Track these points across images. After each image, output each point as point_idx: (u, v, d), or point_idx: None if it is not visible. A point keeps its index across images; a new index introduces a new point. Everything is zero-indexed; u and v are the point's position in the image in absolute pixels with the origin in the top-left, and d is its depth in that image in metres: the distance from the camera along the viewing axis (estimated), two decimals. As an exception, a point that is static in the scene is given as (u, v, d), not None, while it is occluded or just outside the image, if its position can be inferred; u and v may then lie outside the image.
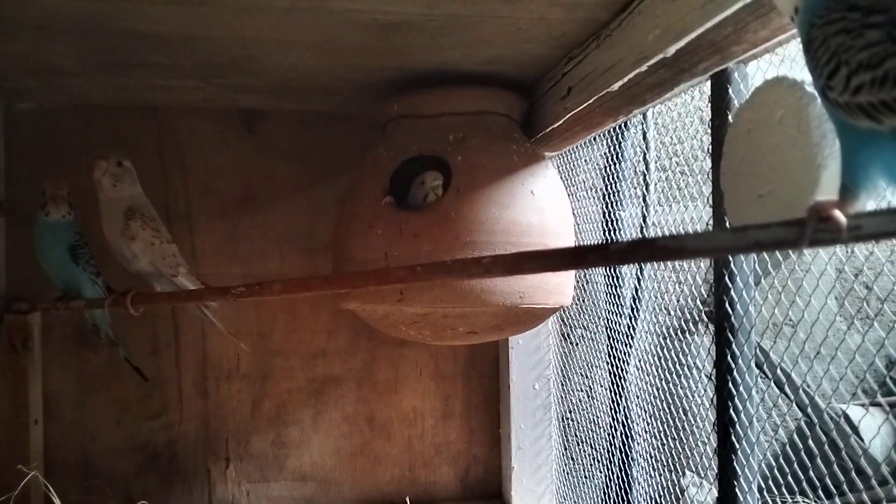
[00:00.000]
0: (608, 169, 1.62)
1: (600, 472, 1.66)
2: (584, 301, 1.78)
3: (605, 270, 1.65)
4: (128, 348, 1.60)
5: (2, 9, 1.09)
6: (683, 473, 1.46)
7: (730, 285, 1.06)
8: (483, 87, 1.44)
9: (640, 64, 1.03)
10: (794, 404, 1.78)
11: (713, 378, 1.11)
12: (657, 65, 1.02)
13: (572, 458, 1.82)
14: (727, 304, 1.06)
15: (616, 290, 1.60)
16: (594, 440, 1.70)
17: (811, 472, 1.13)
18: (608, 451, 1.62)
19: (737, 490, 1.05)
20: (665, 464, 1.45)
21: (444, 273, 0.90)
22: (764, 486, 1.14)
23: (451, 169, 1.35)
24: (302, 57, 1.35)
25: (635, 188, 1.57)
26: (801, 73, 0.58)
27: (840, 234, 0.53)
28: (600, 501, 1.65)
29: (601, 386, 1.67)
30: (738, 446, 1.06)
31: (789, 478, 1.15)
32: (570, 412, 1.84)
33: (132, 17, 1.13)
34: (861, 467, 1.13)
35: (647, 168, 1.53)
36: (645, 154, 1.53)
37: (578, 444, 1.80)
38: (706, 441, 1.34)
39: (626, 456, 1.55)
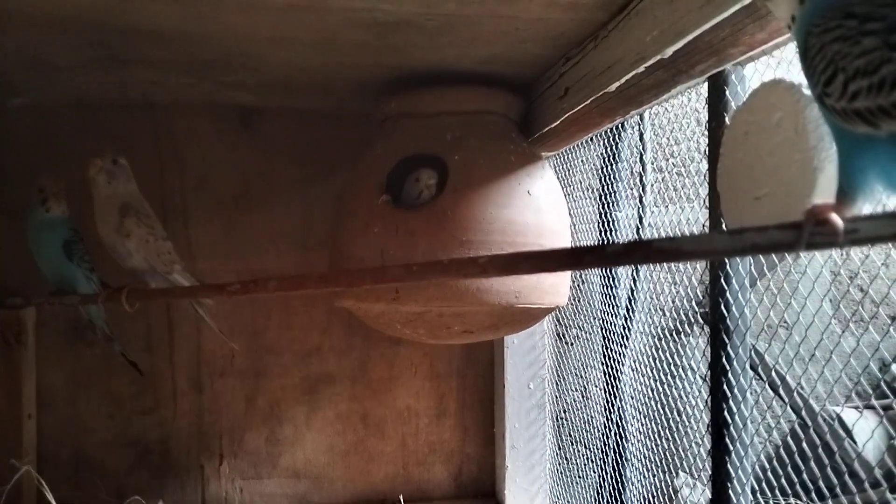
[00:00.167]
0: (605, 170, 1.62)
1: (594, 471, 1.66)
2: (579, 301, 1.78)
3: (601, 271, 1.66)
4: (123, 344, 1.60)
5: (-2, 3, 1.09)
6: (677, 474, 1.46)
7: (725, 287, 1.06)
8: (481, 86, 1.44)
9: (638, 65, 1.03)
10: (788, 406, 1.78)
11: (707, 379, 1.11)
12: (654, 66, 1.02)
13: (566, 458, 1.83)
14: (722, 306, 1.06)
15: (611, 291, 1.61)
16: (588, 440, 1.70)
17: (804, 475, 1.13)
18: (602, 451, 1.62)
19: (730, 491, 1.05)
20: (658, 464, 1.45)
21: (441, 272, 0.90)
22: (757, 487, 1.15)
23: (447, 168, 1.35)
24: (300, 55, 1.35)
25: (632, 189, 1.57)
26: (798, 75, 0.59)
27: (837, 238, 0.53)
28: (593, 501, 1.65)
29: (596, 386, 1.68)
30: (731, 448, 1.06)
31: (783, 480, 1.15)
32: (565, 412, 1.85)
33: (129, 13, 1.13)
34: (854, 470, 1.14)
35: (644, 169, 1.53)
36: (641, 155, 1.53)
37: (572, 444, 1.80)
38: (700, 442, 1.35)
39: (620, 456, 1.55)
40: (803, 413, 1.79)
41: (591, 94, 1.19)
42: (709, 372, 1.10)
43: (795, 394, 1.75)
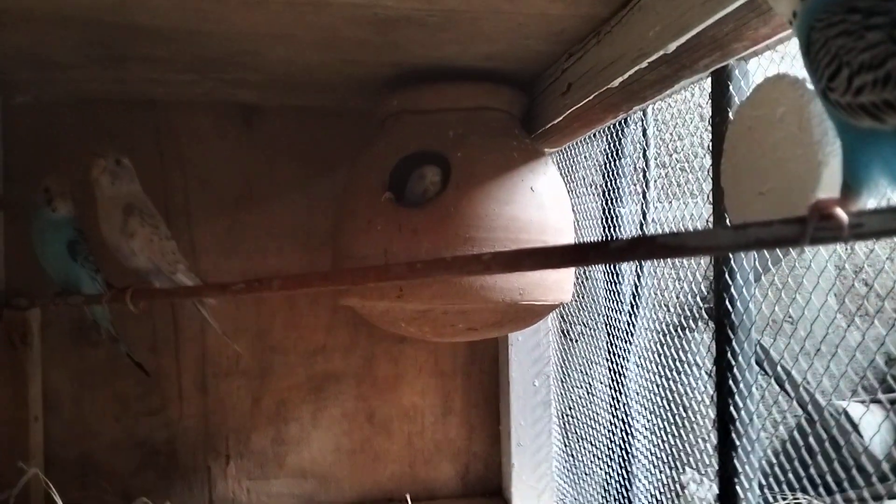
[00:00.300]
0: (608, 165, 1.62)
1: (600, 468, 1.66)
2: (583, 298, 1.77)
3: (605, 267, 1.65)
4: (128, 345, 1.60)
5: (-1, 3, 1.09)
6: (683, 470, 1.46)
7: (730, 282, 1.06)
8: (483, 83, 1.44)
9: (641, 60, 1.02)
10: (794, 401, 1.78)
11: (713, 375, 1.11)
12: (657, 61, 1.02)
13: (572, 455, 1.82)
14: (727, 301, 1.06)
15: (616, 287, 1.60)
16: (594, 437, 1.70)
17: (811, 469, 1.13)
18: (608, 448, 1.62)
19: (737, 487, 1.05)
20: (665, 460, 1.45)
21: (444, 270, 0.90)
22: (764, 482, 1.15)
23: (450, 165, 1.34)
24: (301, 52, 1.35)
25: (635, 185, 1.57)
26: (801, 70, 0.58)
27: (841, 232, 0.53)
28: (600, 498, 1.65)
29: (601, 383, 1.67)
30: (738, 443, 1.06)
31: (790, 475, 1.15)
32: (570, 409, 1.84)
33: (130, 11, 1.13)
34: (861, 464, 1.14)
35: (647, 165, 1.53)
36: (645, 151, 1.53)
37: (578, 441, 1.80)
38: (706, 438, 1.34)
39: (626, 453, 1.55)
40: (809, 408, 1.78)
41: (594, 89, 1.19)
42: (714, 367, 1.10)
43: (801, 388, 1.75)
